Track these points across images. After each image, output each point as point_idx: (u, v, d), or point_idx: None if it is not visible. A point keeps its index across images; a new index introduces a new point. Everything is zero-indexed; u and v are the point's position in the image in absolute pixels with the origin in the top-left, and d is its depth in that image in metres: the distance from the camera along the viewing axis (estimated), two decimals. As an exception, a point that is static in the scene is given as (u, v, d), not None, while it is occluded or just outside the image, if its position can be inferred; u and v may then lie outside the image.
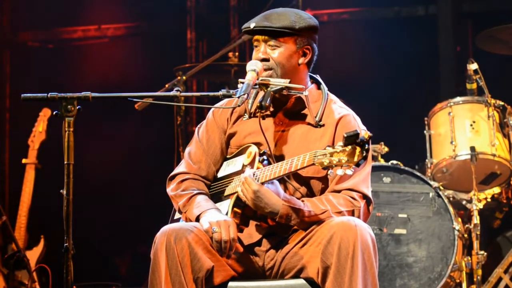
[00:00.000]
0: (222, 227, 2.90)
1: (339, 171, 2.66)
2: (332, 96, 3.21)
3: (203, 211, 3.02)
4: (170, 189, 3.20)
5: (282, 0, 4.72)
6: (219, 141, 3.23)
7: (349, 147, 2.64)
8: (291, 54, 3.08)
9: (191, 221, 3.05)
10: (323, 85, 3.20)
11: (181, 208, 3.12)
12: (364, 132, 2.63)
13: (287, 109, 3.14)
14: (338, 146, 2.67)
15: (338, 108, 3.15)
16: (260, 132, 3.06)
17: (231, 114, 3.24)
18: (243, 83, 2.99)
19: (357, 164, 2.63)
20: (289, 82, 3.06)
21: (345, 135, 2.64)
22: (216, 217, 2.95)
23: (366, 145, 2.62)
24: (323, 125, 3.09)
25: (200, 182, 3.20)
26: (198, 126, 3.31)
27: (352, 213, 2.98)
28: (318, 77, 3.23)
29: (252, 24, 3.07)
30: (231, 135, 3.21)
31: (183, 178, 3.19)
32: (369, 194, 3.04)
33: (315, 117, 3.10)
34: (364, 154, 2.61)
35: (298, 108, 3.14)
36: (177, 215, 3.24)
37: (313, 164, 2.75)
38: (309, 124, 3.11)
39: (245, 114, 3.19)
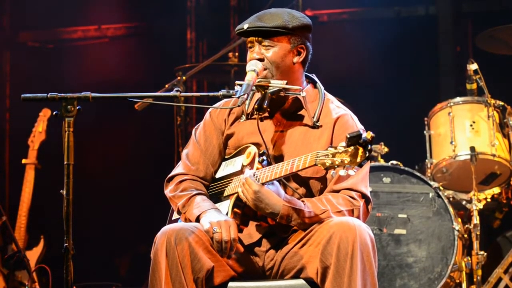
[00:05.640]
0: (222, 227, 2.90)
1: (342, 172, 2.66)
2: (329, 96, 3.21)
3: (203, 211, 3.02)
4: (169, 191, 3.20)
5: (282, 0, 4.72)
6: (216, 142, 3.23)
7: (352, 147, 2.64)
8: (285, 53, 3.08)
9: (190, 221, 3.05)
10: (320, 85, 3.21)
11: (181, 209, 3.12)
12: (367, 133, 2.63)
13: (284, 110, 3.15)
14: (341, 147, 2.67)
15: (336, 108, 3.16)
16: (258, 133, 3.06)
17: (228, 115, 3.24)
18: (240, 85, 3.00)
19: (360, 165, 2.63)
20: (286, 82, 3.07)
21: (348, 136, 2.64)
22: (216, 217, 2.95)
23: (369, 146, 2.62)
24: (321, 126, 3.10)
25: (198, 182, 3.20)
26: (195, 128, 3.31)
27: (351, 212, 2.98)
28: (314, 77, 3.23)
29: (245, 25, 3.07)
30: (229, 136, 3.21)
31: (182, 179, 3.19)
32: (368, 194, 3.05)
33: (313, 117, 3.11)
34: (367, 155, 2.61)
35: (296, 109, 3.15)
36: (175, 216, 3.24)
37: (315, 164, 2.75)
38: (306, 124, 3.12)
39: (243, 116, 3.20)
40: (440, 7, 6.59)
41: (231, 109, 3.21)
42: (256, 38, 3.08)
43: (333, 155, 2.68)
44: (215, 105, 3.29)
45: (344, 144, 2.66)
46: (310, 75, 3.23)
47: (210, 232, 2.90)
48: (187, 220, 3.08)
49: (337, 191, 3.01)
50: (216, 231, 2.89)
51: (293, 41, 3.09)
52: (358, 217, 2.97)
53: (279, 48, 3.07)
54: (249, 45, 3.12)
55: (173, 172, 3.24)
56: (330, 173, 2.71)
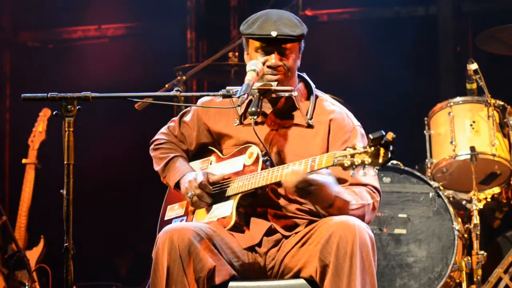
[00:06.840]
0: (192, 188, 3.07)
1: (361, 172, 2.66)
2: (321, 94, 3.23)
3: (181, 177, 3.17)
4: (151, 150, 3.38)
5: (282, 0, 4.72)
6: (195, 131, 3.29)
7: (372, 148, 2.64)
8: (296, 58, 3.13)
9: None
10: (311, 83, 3.22)
11: (161, 173, 3.27)
12: (387, 133, 2.64)
13: (278, 110, 3.16)
14: (360, 148, 2.67)
15: (330, 105, 3.18)
16: (254, 134, 3.06)
17: (223, 114, 3.25)
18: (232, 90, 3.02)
19: (382, 165, 2.64)
20: (277, 84, 3.06)
21: (371, 137, 2.64)
22: (185, 183, 3.12)
23: (391, 146, 2.63)
24: (315, 124, 3.11)
25: (177, 146, 3.33)
26: (183, 112, 3.37)
27: (373, 204, 3.04)
28: (304, 75, 3.25)
29: (273, 33, 3.03)
30: (225, 137, 3.22)
31: (161, 142, 3.34)
32: (380, 188, 3.11)
33: (306, 115, 3.12)
34: (389, 156, 2.62)
35: (289, 108, 3.16)
36: (167, 217, 3.27)
37: (333, 165, 2.74)
38: (300, 123, 3.14)
39: (236, 120, 3.20)
40: (440, 7, 6.59)
41: (224, 108, 3.23)
42: (281, 45, 3.06)
43: (352, 156, 2.68)
44: (215, 106, 3.29)
45: (362, 145, 2.67)
46: (301, 73, 3.24)
47: (189, 201, 3.09)
48: (167, 184, 3.25)
49: (363, 185, 3.05)
50: (190, 195, 3.06)
51: (300, 46, 3.14)
52: (375, 210, 3.04)
53: (295, 54, 3.11)
54: (262, 49, 3.08)
55: (156, 136, 3.39)
56: (350, 173, 2.69)
